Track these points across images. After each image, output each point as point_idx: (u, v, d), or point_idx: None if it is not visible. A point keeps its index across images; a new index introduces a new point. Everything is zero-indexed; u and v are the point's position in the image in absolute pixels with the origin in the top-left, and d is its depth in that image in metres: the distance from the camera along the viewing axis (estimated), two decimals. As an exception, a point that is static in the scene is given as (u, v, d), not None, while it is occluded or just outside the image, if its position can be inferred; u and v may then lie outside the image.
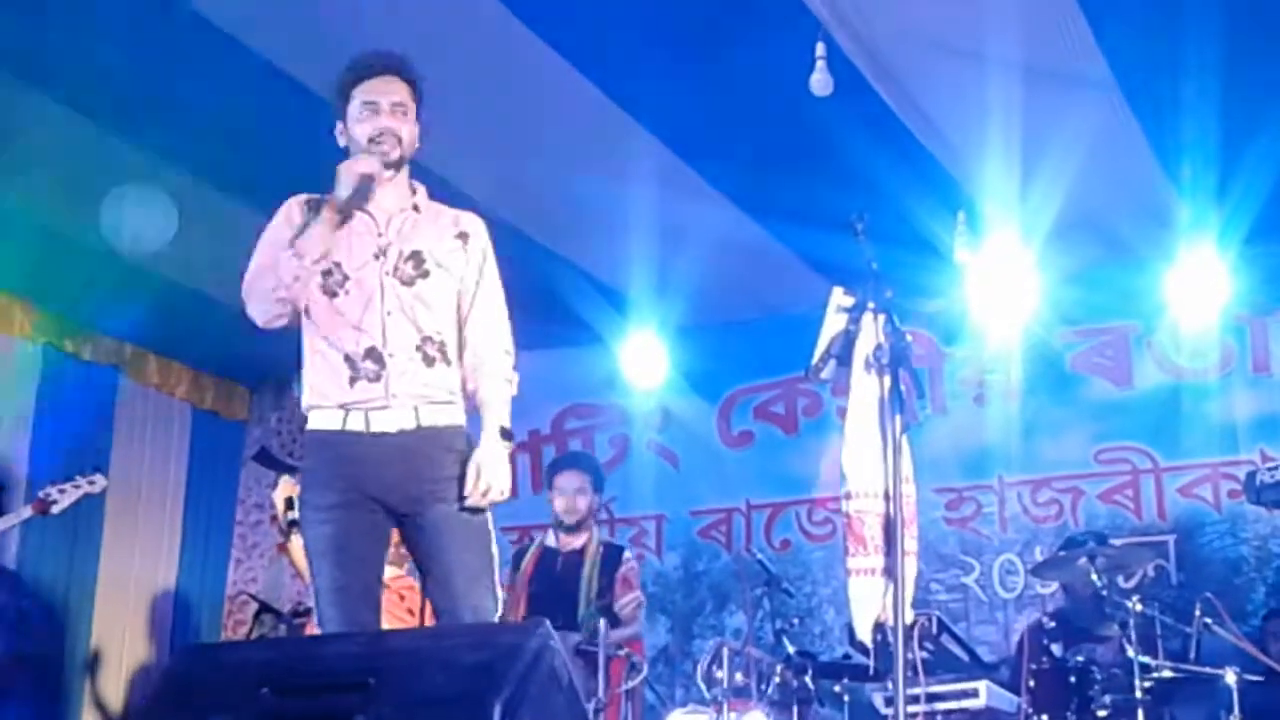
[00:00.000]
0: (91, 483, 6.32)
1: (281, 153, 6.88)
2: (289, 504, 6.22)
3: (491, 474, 4.17)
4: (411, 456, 4.19)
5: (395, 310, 4.26)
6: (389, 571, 6.09)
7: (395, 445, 4.19)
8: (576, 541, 7.12)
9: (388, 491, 4.18)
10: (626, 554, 7.24)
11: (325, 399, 4.20)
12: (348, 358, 4.20)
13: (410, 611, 6.09)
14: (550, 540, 7.19)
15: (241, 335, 9.21)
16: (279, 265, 4.20)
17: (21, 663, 7.64)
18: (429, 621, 6.09)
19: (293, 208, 4.38)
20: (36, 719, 8.39)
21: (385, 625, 5.95)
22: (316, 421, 4.22)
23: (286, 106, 6.43)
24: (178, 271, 8.12)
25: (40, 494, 6.26)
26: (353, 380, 4.19)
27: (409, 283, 4.28)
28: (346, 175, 4.23)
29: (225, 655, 3.81)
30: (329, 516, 4.17)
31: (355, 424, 4.18)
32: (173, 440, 9.77)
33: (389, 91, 4.33)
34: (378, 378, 4.20)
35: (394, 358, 4.21)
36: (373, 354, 4.21)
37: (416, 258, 4.31)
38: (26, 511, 6.33)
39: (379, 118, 4.30)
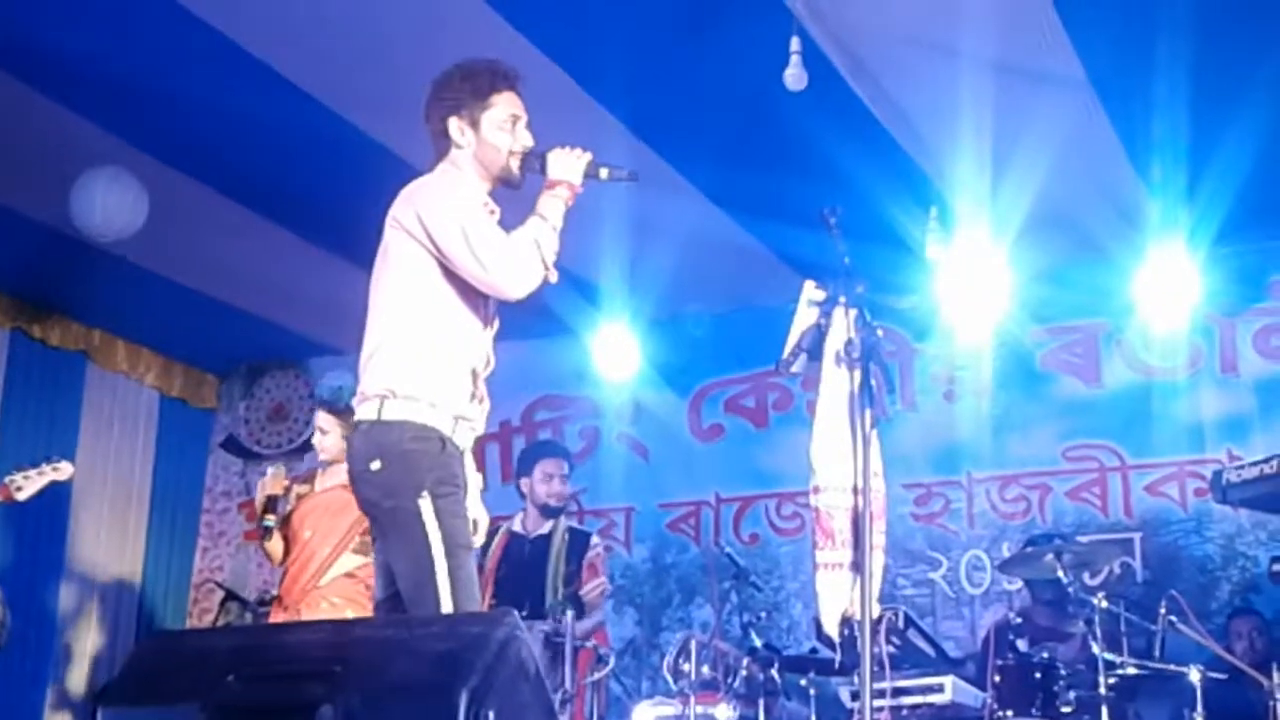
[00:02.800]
0: (56, 469, 6.27)
1: (253, 140, 6.88)
2: (269, 506, 6.18)
3: None
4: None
5: (491, 334, 4.32)
6: (354, 560, 6.08)
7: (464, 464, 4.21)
8: (544, 526, 7.13)
9: None
10: (594, 539, 7.25)
11: (443, 403, 4.08)
12: (474, 373, 4.20)
13: None
14: (517, 525, 7.19)
15: (210, 323, 9.30)
16: (542, 244, 4.12)
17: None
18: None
19: (477, 192, 4.25)
20: (1, 705, 8.36)
21: (360, 612, 5.94)
22: (425, 418, 4.05)
23: (258, 93, 6.42)
24: (147, 258, 8.09)
25: (5, 480, 6.20)
26: (472, 396, 4.18)
27: (496, 316, 4.33)
28: (578, 163, 4.24)
29: (191, 642, 3.80)
30: (465, 512, 4.12)
31: (461, 439, 4.14)
32: (140, 427, 9.74)
33: (523, 110, 4.31)
34: (483, 401, 4.25)
35: (482, 383, 4.26)
36: (481, 377, 4.24)
37: None
38: (-8, 498, 6.28)
39: (523, 134, 4.29)
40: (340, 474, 6.18)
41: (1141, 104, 6.44)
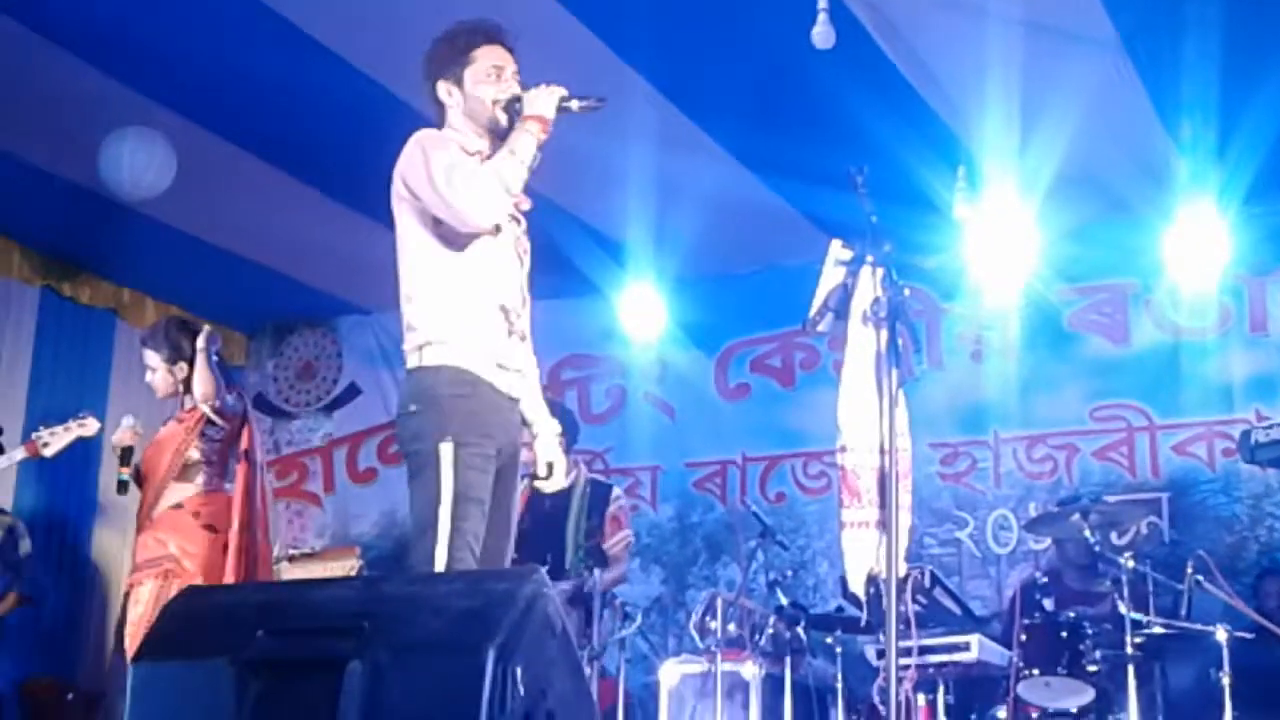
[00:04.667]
0: (83, 425, 6.29)
1: (280, 98, 6.88)
2: (124, 459, 6.15)
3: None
4: (517, 428, 4.36)
5: (523, 274, 4.40)
6: (182, 491, 6.03)
7: (516, 413, 4.34)
8: (565, 480, 7.05)
9: (501, 456, 4.22)
10: (616, 491, 7.20)
11: (476, 345, 4.19)
12: (504, 309, 4.26)
13: (210, 527, 5.97)
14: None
15: (239, 282, 9.32)
16: (503, 172, 4.14)
17: (21, 604, 7.66)
18: (232, 534, 5.99)
19: (456, 139, 4.30)
20: (34, 659, 8.44)
21: (183, 541, 5.91)
22: (464, 361, 4.16)
23: (287, 53, 6.42)
24: (177, 217, 8.12)
25: (33, 436, 6.24)
26: (509, 333, 4.26)
27: (524, 254, 4.43)
28: (550, 97, 4.24)
29: (222, 598, 3.83)
30: (489, 466, 4.15)
31: (501, 383, 4.23)
32: (170, 384, 9.77)
33: (509, 61, 4.37)
34: (523, 339, 4.34)
35: (522, 320, 4.35)
36: (517, 314, 4.31)
37: (526, 231, 4.45)
38: (19, 454, 6.31)
39: (508, 83, 4.33)
40: (175, 412, 6.19)
41: (1171, 63, 6.39)
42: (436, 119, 4.41)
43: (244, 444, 6.11)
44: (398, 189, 4.27)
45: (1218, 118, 6.79)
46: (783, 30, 5.89)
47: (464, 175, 4.12)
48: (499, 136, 4.31)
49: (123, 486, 6.11)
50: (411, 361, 4.21)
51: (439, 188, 4.10)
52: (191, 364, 6.06)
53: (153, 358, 6.15)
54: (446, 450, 4.05)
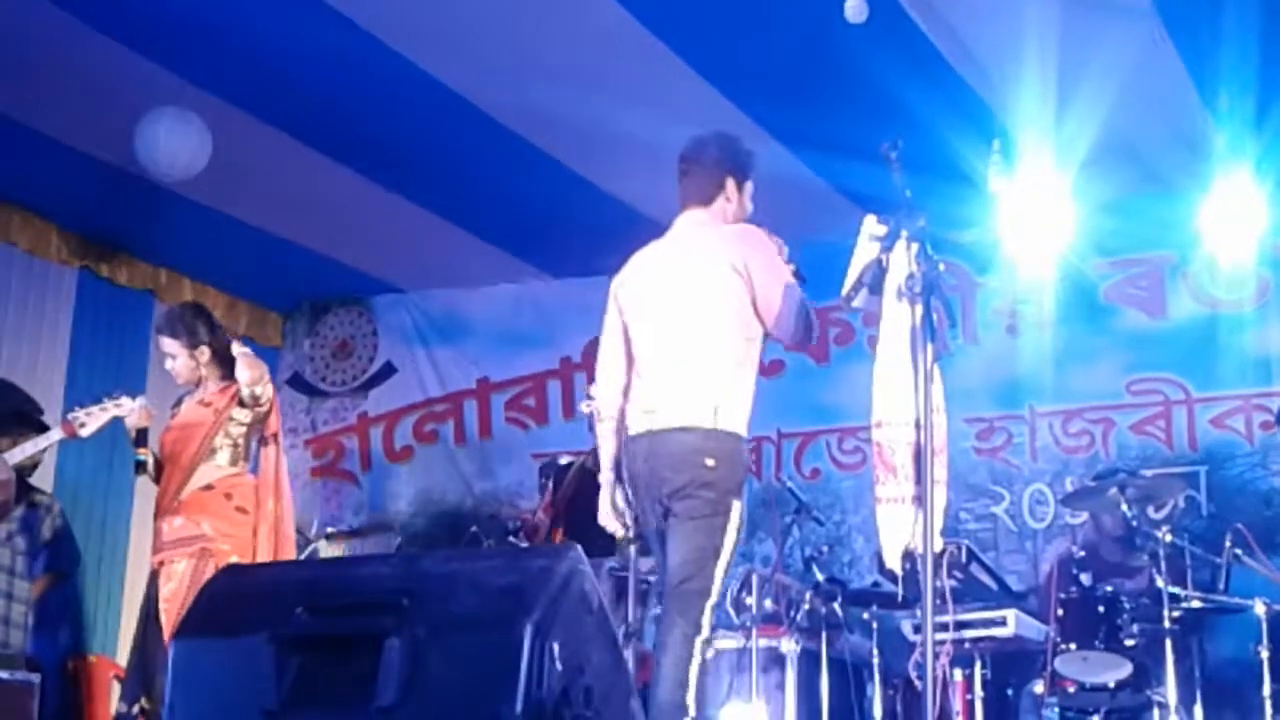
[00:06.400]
0: (119, 405, 6.33)
1: (316, 79, 6.90)
2: (140, 440, 6.15)
3: None
4: None
5: None
6: (210, 473, 6.02)
7: None
8: None
9: None
10: None
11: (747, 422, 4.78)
12: None
13: (241, 509, 5.99)
14: (591, 462, 7.14)
15: (274, 261, 9.35)
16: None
17: (60, 583, 7.72)
18: (265, 515, 6.03)
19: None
20: (74, 639, 8.50)
21: (217, 522, 5.92)
22: (744, 433, 4.76)
23: (321, 32, 6.43)
24: (212, 197, 8.15)
25: (69, 416, 6.29)
26: None
27: None
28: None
29: (262, 575, 3.87)
30: None
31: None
32: (207, 365, 9.81)
33: None
34: None
35: None
36: None
37: None
38: (56, 434, 6.35)
39: None
40: (197, 394, 6.19)
41: (1209, 32, 6.34)
42: (692, 190, 5.09)
43: (272, 426, 6.17)
44: (737, 266, 4.83)
45: (1255, 87, 6.73)
46: (816, 4, 5.87)
47: (813, 314, 4.89)
48: None
49: (140, 467, 6.14)
50: (701, 418, 4.68)
51: (802, 321, 4.85)
52: (210, 347, 6.10)
53: (172, 345, 6.17)
54: (738, 510, 4.64)
